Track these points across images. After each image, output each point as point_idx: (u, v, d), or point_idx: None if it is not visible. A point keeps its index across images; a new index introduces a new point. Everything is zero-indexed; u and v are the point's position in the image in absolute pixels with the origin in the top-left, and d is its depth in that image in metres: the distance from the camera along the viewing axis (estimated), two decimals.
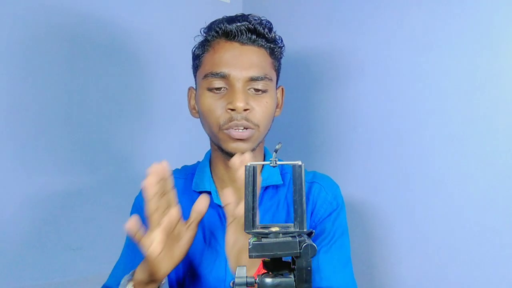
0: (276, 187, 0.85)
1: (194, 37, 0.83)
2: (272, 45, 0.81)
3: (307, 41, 1.20)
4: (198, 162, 0.92)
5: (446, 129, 0.93)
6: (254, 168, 0.50)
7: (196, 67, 0.84)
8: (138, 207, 0.87)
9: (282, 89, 0.88)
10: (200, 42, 0.83)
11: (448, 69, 0.92)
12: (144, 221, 0.87)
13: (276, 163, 0.50)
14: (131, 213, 0.89)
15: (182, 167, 0.93)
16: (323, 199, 0.84)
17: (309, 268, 0.47)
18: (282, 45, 0.84)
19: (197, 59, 0.83)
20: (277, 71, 0.85)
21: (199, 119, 0.86)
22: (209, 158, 0.88)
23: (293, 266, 0.48)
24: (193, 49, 0.84)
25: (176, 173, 0.91)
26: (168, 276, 0.88)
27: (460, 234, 0.90)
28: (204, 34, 0.82)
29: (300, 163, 0.49)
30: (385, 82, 1.04)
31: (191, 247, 0.83)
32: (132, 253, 0.88)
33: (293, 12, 1.26)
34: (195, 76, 0.85)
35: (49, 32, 1.07)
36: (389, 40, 1.03)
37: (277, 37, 0.83)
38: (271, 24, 0.83)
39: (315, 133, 1.20)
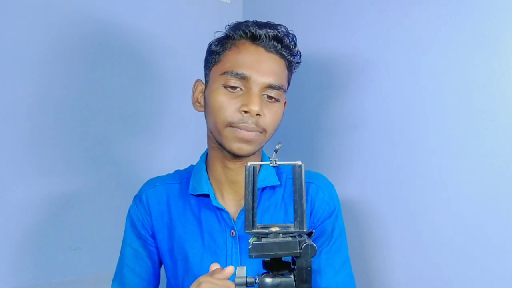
0: (273, 187, 0.85)
1: (214, 32, 0.83)
2: (292, 59, 0.83)
3: (307, 42, 1.20)
4: (192, 165, 0.91)
5: (446, 129, 0.93)
6: (254, 168, 0.50)
7: (212, 62, 0.82)
8: (135, 219, 0.87)
9: (285, 102, 0.88)
10: (220, 38, 0.82)
11: (448, 69, 0.92)
12: (138, 232, 0.87)
13: (276, 163, 0.50)
14: (127, 223, 0.89)
15: (175, 171, 0.92)
16: (320, 200, 0.84)
17: (309, 268, 0.47)
18: (299, 61, 0.85)
19: (215, 54, 0.82)
20: (288, 84, 0.86)
21: (201, 114, 0.85)
22: (205, 160, 0.88)
23: (293, 266, 0.48)
24: (211, 44, 0.84)
25: (170, 178, 0.90)
26: (168, 280, 0.89)
27: (459, 234, 0.90)
28: (231, 32, 0.81)
29: (300, 163, 0.49)
30: (385, 82, 1.04)
31: (190, 250, 0.83)
32: (135, 254, 0.88)
33: (293, 13, 1.26)
34: (208, 71, 0.84)
35: (60, 37, 1.07)
36: (389, 40, 1.03)
37: (298, 53, 0.84)
38: (296, 39, 0.83)
39: (315, 133, 1.20)
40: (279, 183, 0.84)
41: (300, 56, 0.85)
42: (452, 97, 0.92)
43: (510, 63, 0.84)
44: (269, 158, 0.51)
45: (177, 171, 0.92)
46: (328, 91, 1.16)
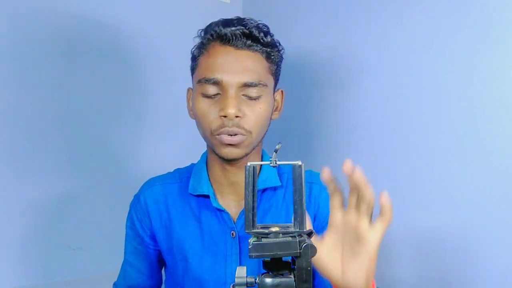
0: (274, 188, 0.84)
1: (193, 37, 0.82)
2: (268, 50, 0.79)
3: (307, 42, 1.20)
4: (193, 164, 0.90)
5: (445, 129, 0.93)
6: (254, 168, 0.50)
7: (193, 69, 0.83)
8: (135, 217, 0.87)
9: (282, 92, 0.86)
10: (197, 44, 0.82)
11: (447, 69, 0.92)
12: (137, 230, 0.87)
13: (276, 163, 0.50)
14: (127, 220, 0.89)
15: (175, 170, 0.91)
16: (325, 199, 0.83)
17: (309, 268, 0.47)
18: (280, 49, 0.82)
19: (193, 61, 0.82)
20: (275, 75, 0.82)
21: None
22: (205, 160, 0.87)
23: (293, 266, 0.48)
24: (192, 50, 0.83)
25: (169, 177, 0.89)
26: (167, 279, 0.89)
27: (458, 233, 0.90)
28: (201, 37, 0.81)
29: (300, 163, 0.49)
30: (385, 82, 1.04)
31: (190, 250, 0.83)
32: (135, 250, 0.88)
33: (293, 12, 1.26)
34: (192, 78, 0.84)
35: (46, 34, 1.06)
36: (389, 40, 1.03)
37: (274, 40, 0.81)
38: (268, 28, 0.81)
39: (314, 133, 1.20)
40: (280, 184, 0.83)
41: (279, 43, 0.82)
42: (451, 96, 0.92)
43: (510, 63, 0.84)
44: (270, 158, 0.51)
45: (177, 170, 0.91)
46: (327, 90, 1.16)
